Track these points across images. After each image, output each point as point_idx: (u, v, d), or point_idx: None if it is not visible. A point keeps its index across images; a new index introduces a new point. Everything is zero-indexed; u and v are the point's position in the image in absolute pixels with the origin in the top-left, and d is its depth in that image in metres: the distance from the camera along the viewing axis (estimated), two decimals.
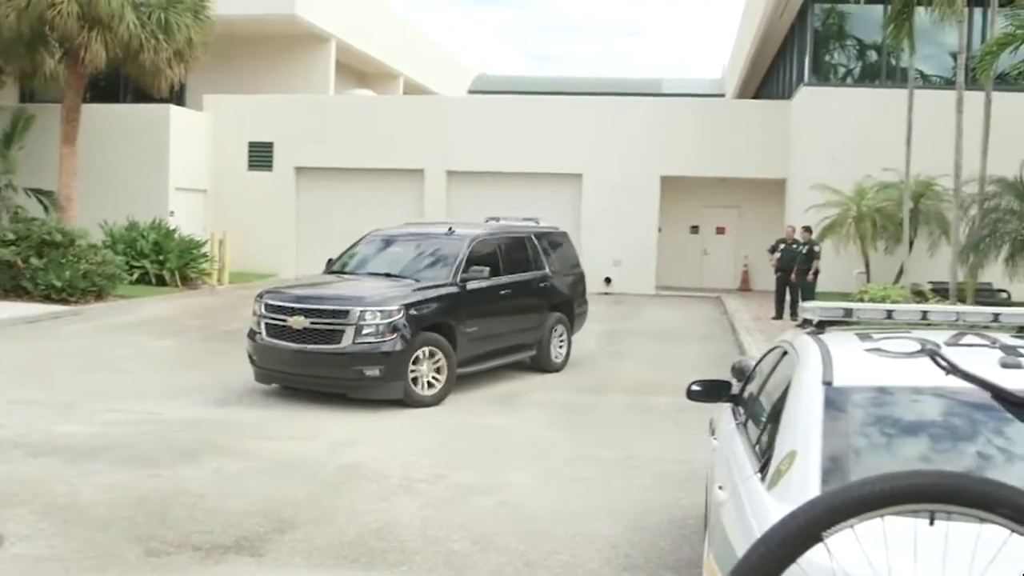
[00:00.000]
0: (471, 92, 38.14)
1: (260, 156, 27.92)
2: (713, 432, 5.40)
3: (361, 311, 10.95)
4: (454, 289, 11.99)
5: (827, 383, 3.52)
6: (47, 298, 18.67)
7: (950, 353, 2.29)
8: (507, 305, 12.93)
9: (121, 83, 28.42)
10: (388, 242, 13.43)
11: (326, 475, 7.88)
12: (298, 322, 11.10)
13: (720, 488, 3.91)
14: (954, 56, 20.06)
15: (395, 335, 10.96)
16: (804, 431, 3.34)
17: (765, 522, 2.99)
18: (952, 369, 2.05)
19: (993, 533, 1.93)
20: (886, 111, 20.47)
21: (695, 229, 28.51)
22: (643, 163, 26.09)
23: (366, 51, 32.48)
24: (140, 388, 11.52)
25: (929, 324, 4.31)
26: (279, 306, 11.38)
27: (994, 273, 17.20)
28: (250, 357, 11.63)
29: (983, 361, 3.47)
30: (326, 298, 11.52)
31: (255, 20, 27.69)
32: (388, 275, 12.40)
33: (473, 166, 26.93)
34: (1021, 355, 3.54)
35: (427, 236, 13.32)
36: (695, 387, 5.28)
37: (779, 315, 19.62)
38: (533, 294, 13.56)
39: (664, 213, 26.78)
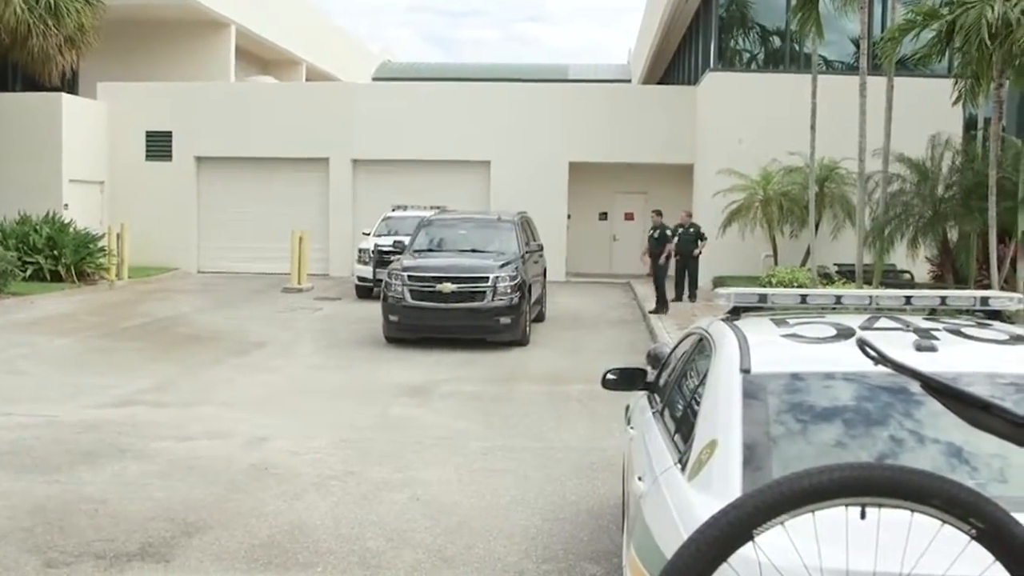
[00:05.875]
0: (375, 79, 37.70)
1: (158, 146, 27.12)
2: (629, 421, 5.30)
3: (495, 276, 14.44)
4: (520, 260, 15.34)
5: (745, 371, 3.45)
6: None
7: (867, 337, 2.23)
8: (537, 270, 16.92)
9: (10, 71, 27.23)
10: (450, 227, 16.84)
11: (234, 475, 7.63)
12: (446, 287, 14.28)
13: (639, 479, 3.83)
14: (855, 42, 20.45)
15: (518, 292, 14.49)
16: (724, 420, 3.27)
17: (687, 513, 2.92)
18: (882, 359, 2.00)
19: (926, 524, 1.90)
20: (791, 96, 20.77)
21: (604, 215, 28.66)
22: (551, 149, 26.10)
23: (267, 37, 31.82)
24: (36, 390, 11.05)
25: (843, 308, 4.29)
26: (425, 276, 14.50)
27: (897, 255, 17.60)
28: (387, 318, 14.53)
29: (898, 344, 3.47)
30: (464, 268, 14.73)
31: (151, 5, 26.89)
32: (474, 251, 15.71)
33: (379, 154, 26.63)
34: (935, 338, 3.54)
35: (480, 220, 17.36)
36: (610, 375, 5.15)
37: (679, 297, 20.25)
38: (539, 262, 17.47)
39: (573, 200, 26.85)
